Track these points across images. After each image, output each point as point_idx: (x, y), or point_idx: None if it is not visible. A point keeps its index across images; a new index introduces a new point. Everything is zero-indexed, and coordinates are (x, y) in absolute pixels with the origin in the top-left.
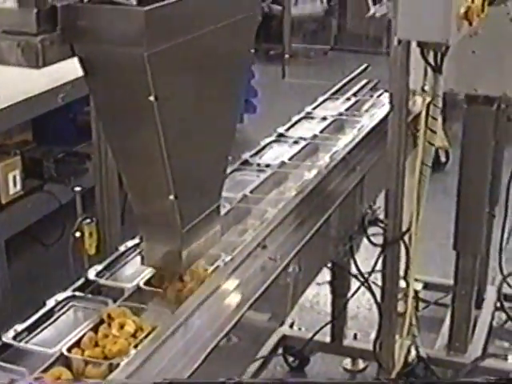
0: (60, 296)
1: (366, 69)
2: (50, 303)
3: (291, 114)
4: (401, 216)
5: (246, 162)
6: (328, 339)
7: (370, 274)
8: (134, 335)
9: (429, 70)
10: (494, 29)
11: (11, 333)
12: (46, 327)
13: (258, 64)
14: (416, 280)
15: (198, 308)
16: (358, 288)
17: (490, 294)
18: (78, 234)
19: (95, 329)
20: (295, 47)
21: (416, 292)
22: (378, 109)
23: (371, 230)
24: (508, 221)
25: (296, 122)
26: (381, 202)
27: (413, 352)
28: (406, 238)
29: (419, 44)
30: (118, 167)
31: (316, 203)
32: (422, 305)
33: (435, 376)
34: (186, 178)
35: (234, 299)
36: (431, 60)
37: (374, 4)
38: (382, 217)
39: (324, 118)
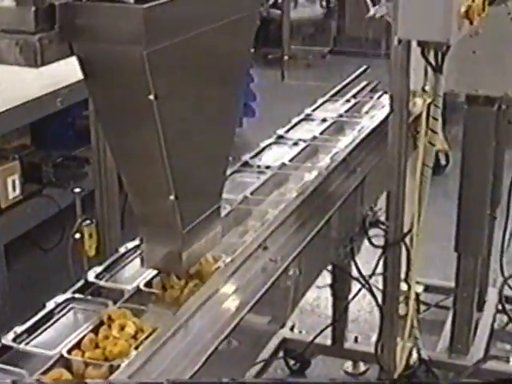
0: (60, 298)
1: (365, 70)
2: (50, 305)
3: (290, 117)
4: (402, 217)
5: (245, 164)
6: (329, 342)
7: (370, 276)
8: (134, 337)
9: (429, 70)
10: (495, 29)
11: (11, 335)
12: (45, 329)
13: (257, 68)
14: (417, 282)
15: (198, 310)
16: (359, 290)
17: (492, 296)
18: (77, 236)
19: (95, 330)
20: (294, 50)
21: (417, 294)
22: (378, 110)
23: (372, 232)
24: (509, 222)
25: (296, 124)
26: (381, 204)
27: (414, 354)
28: (407, 239)
29: (420, 43)
30: (117, 168)
31: (317, 204)
32: (422, 307)
33: (437, 379)
34: (187, 178)
35: (234, 301)
36: (431, 60)
37: (374, 5)
38: (382, 218)
39: (324, 120)
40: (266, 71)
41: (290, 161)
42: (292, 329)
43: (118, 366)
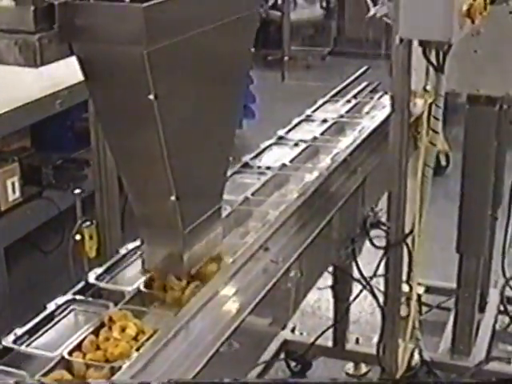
0: (60, 300)
1: (365, 71)
2: (51, 307)
3: (290, 119)
4: (403, 218)
5: (246, 165)
6: (330, 344)
7: (372, 277)
8: (135, 338)
9: (431, 69)
10: (497, 28)
11: (11, 336)
12: (46, 331)
13: (256, 69)
14: (418, 284)
15: (199, 311)
16: (361, 292)
17: (493, 297)
18: (78, 237)
19: (96, 332)
20: (294, 51)
21: (419, 295)
22: (379, 111)
23: (373, 233)
24: (511, 223)
25: (296, 125)
26: (383, 205)
27: (416, 356)
28: (409, 240)
29: (421, 43)
30: (118, 169)
31: (318, 205)
32: (424, 308)
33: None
34: (187, 179)
35: (235, 303)
36: (433, 59)
37: (374, 5)
38: (384, 219)
39: (324, 121)
40: (265, 73)
41: (291, 162)
42: (293, 330)
43: (119, 367)
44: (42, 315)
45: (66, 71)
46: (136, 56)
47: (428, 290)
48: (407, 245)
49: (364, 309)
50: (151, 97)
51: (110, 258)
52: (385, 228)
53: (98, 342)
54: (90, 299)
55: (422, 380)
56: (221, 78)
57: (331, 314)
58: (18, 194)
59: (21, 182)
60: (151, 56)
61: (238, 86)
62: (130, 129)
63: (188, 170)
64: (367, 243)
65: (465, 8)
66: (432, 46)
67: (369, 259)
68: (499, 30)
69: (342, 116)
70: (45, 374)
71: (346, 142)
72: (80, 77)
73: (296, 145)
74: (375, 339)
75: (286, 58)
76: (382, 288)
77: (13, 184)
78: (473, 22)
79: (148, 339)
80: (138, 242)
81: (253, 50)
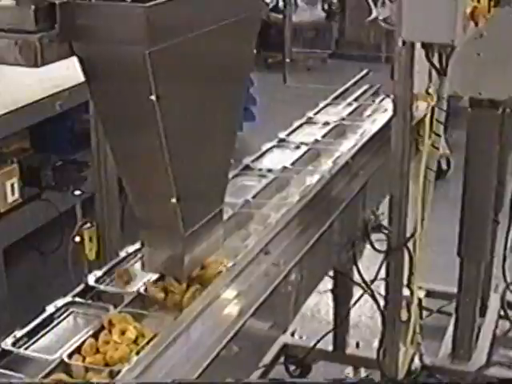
0: (60, 302)
1: (367, 74)
2: (50, 309)
3: (291, 121)
4: (405, 222)
5: (247, 167)
6: (330, 348)
7: (372, 281)
8: (135, 342)
9: (433, 72)
10: (500, 31)
11: (10, 339)
12: (45, 333)
13: (257, 72)
14: (419, 288)
15: (200, 315)
16: (361, 296)
17: (494, 301)
18: (77, 239)
19: (96, 335)
20: (295, 54)
21: (419, 300)
22: (380, 114)
23: (374, 237)
24: None
25: (297, 127)
26: (384, 208)
27: (416, 360)
28: (409, 244)
29: (424, 45)
30: (118, 170)
31: (319, 209)
32: (424, 313)
33: None
34: (189, 181)
35: (236, 306)
36: (435, 62)
37: (376, 6)
38: (385, 223)
39: (326, 123)
40: (265, 75)
41: (292, 164)
42: (293, 334)
43: (119, 371)
44: (41, 317)
45: (66, 73)
46: (138, 56)
47: (428, 294)
48: (408, 249)
49: (364, 313)
50: (153, 98)
51: (109, 260)
52: (386, 232)
53: (97, 345)
54: (90, 302)
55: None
56: (223, 79)
57: (331, 318)
58: (17, 195)
59: (20, 183)
60: (153, 56)
61: (240, 87)
62: (131, 130)
63: (189, 172)
64: (368, 247)
65: (468, 10)
66: (435, 49)
67: (368, 263)
68: (503, 33)
69: (343, 119)
70: (44, 377)
71: (347, 145)
72: (80, 78)
73: (297, 147)
74: (375, 343)
75: (287, 61)
76: (382, 292)
77: (12, 185)
78: (476, 24)
79: (148, 343)
80: (137, 245)
81: (255, 51)
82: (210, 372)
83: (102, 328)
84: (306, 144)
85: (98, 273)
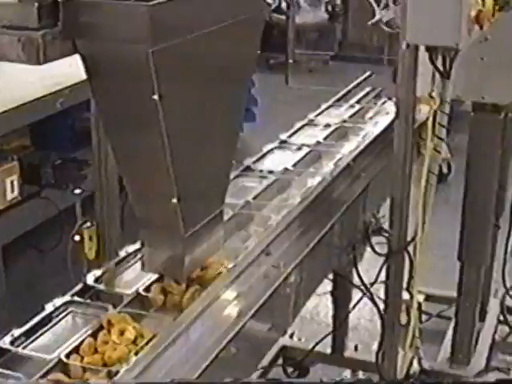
0: (58, 301)
1: (369, 76)
2: (49, 308)
3: (292, 123)
4: (406, 225)
5: (248, 169)
6: (328, 350)
7: (372, 284)
8: (134, 342)
9: (436, 75)
10: (504, 35)
11: (8, 337)
12: (44, 332)
13: (258, 73)
14: (418, 292)
15: (199, 316)
16: (361, 299)
17: (493, 306)
18: (77, 238)
19: (94, 335)
20: (298, 55)
21: (419, 304)
22: (382, 116)
23: (374, 240)
24: None
25: (299, 129)
26: (384, 211)
27: (415, 364)
28: (410, 248)
29: (428, 48)
30: (119, 169)
31: (320, 211)
32: (423, 317)
33: None
34: (190, 181)
35: (236, 308)
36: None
37: (379, 8)
38: (385, 226)
39: (327, 125)
40: (267, 76)
41: (293, 166)
42: (291, 336)
43: (117, 371)
44: (39, 316)
45: (68, 71)
46: (140, 55)
47: (428, 298)
48: (408, 252)
49: (362, 316)
50: (155, 97)
51: (109, 259)
52: (386, 235)
53: (96, 345)
54: (89, 301)
55: (421, 380)
56: (225, 80)
57: (330, 321)
58: (16, 192)
59: (20, 180)
60: (156, 56)
61: (243, 88)
62: (132, 129)
63: (190, 173)
64: (368, 250)
65: (473, 14)
66: (439, 52)
67: (368, 266)
68: (507, 38)
69: (345, 121)
70: (41, 377)
71: (349, 148)
72: (81, 76)
73: (299, 149)
74: (374, 346)
75: (290, 61)
76: (381, 295)
77: (12, 183)
78: (481, 28)
79: (147, 343)
80: (137, 245)
81: (259, 52)
82: (208, 373)
83: (101, 328)
84: (308, 146)
85: (98, 272)
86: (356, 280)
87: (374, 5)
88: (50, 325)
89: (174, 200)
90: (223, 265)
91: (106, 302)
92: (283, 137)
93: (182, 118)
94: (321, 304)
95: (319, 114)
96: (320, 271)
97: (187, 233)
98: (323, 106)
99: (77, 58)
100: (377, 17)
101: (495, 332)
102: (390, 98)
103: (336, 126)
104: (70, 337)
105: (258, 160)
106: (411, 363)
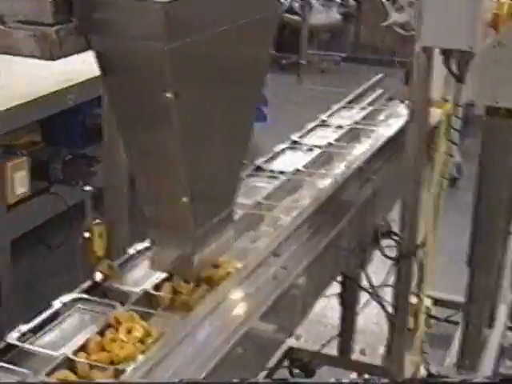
0: (66, 298)
1: (382, 78)
2: (56, 305)
3: (303, 123)
4: (416, 229)
5: (258, 169)
6: (335, 352)
7: (380, 287)
8: (141, 341)
9: (451, 79)
10: None
11: (16, 333)
12: (51, 329)
13: (269, 72)
14: (427, 296)
15: (207, 316)
16: (369, 302)
17: (501, 313)
18: (86, 235)
19: (102, 333)
20: (310, 56)
21: (427, 308)
22: (394, 119)
23: (383, 243)
24: None
25: (311, 130)
26: (394, 215)
27: (422, 369)
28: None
29: (442, 51)
30: (131, 167)
31: (330, 213)
32: (431, 321)
33: None
34: (201, 181)
35: (244, 308)
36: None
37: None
38: (395, 229)
39: (339, 127)
40: (278, 76)
41: (304, 167)
42: (298, 338)
43: (124, 370)
44: (47, 313)
45: (79, 67)
46: (156, 53)
47: (435, 302)
48: (418, 256)
49: (369, 318)
50: (169, 95)
51: (117, 257)
52: (396, 238)
53: (103, 342)
54: (97, 298)
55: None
56: (239, 78)
57: (336, 323)
58: (25, 188)
59: (29, 176)
60: (171, 53)
61: (256, 87)
62: (145, 127)
63: (202, 172)
64: (376, 253)
65: (489, 17)
66: (454, 55)
67: (376, 269)
68: None
69: (357, 123)
70: (48, 374)
71: (360, 150)
72: (93, 73)
73: (310, 150)
74: (380, 350)
75: (302, 62)
76: (389, 298)
77: (21, 178)
78: (496, 31)
79: (154, 342)
80: (146, 243)
81: (272, 52)
82: (215, 373)
83: (109, 326)
84: (319, 147)
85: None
86: (364, 283)
87: (388, 7)
88: (57, 321)
89: (185, 199)
90: (232, 265)
91: (114, 300)
92: (295, 137)
93: (195, 117)
94: (328, 306)
95: (331, 115)
96: (328, 273)
97: (197, 232)
98: (335, 108)
99: (89, 54)
100: (391, 19)
101: (503, 339)
102: (401, 101)
103: (348, 127)
104: (77, 334)
105: (269, 160)
106: (418, 368)
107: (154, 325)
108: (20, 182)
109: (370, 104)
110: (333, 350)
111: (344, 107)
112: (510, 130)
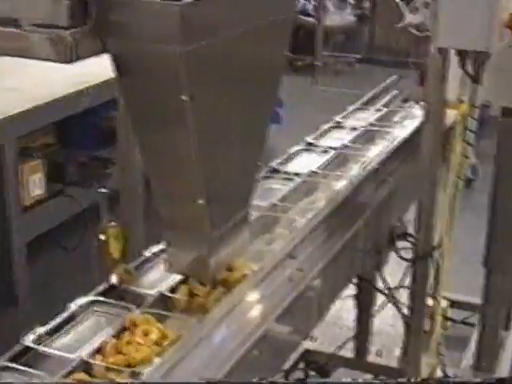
0: (82, 300)
1: (397, 79)
2: (72, 307)
3: (317, 125)
4: (432, 230)
5: (274, 170)
6: (351, 354)
7: (396, 289)
8: (157, 343)
9: (467, 80)
10: None
11: (32, 335)
12: (67, 331)
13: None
14: (443, 298)
15: (223, 318)
16: (384, 303)
17: None
18: (102, 237)
19: (118, 335)
20: (324, 57)
21: (444, 310)
22: (409, 120)
23: (399, 245)
24: None
25: (325, 131)
26: (410, 216)
27: (438, 371)
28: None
29: (458, 52)
30: (146, 169)
31: (345, 214)
32: (447, 323)
33: None
34: (217, 182)
35: (260, 310)
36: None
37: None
38: (411, 231)
39: (354, 128)
40: (293, 77)
41: (320, 168)
42: (314, 340)
43: (140, 372)
44: (63, 315)
45: (93, 70)
46: (171, 55)
47: (452, 304)
48: (434, 258)
49: (385, 320)
50: (185, 97)
51: (133, 259)
52: (412, 240)
53: (119, 345)
54: (112, 301)
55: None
56: (255, 80)
57: (352, 324)
58: (41, 190)
59: (44, 178)
60: (187, 56)
61: (271, 89)
62: (161, 129)
63: (218, 174)
64: (392, 254)
65: (505, 18)
66: (469, 56)
67: (391, 270)
68: None
69: (371, 124)
70: (64, 376)
71: (375, 151)
72: (108, 75)
73: (325, 152)
74: (396, 352)
75: (317, 64)
76: (405, 300)
77: (37, 180)
78: None
79: (171, 345)
80: (161, 245)
81: (287, 54)
82: (231, 376)
83: (125, 328)
84: (335, 148)
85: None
86: (380, 284)
87: (403, 8)
88: (73, 324)
89: (201, 201)
90: (248, 267)
91: (130, 303)
92: (310, 139)
93: (210, 119)
94: (344, 308)
95: (346, 116)
96: (344, 275)
97: (213, 234)
98: (350, 109)
99: (103, 56)
100: (406, 20)
101: None
102: (416, 102)
103: (363, 129)
104: (93, 336)
105: (284, 162)
106: (434, 370)
107: (170, 327)
108: (36, 184)
109: (384, 105)
110: (348, 352)
111: (359, 109)
112: None
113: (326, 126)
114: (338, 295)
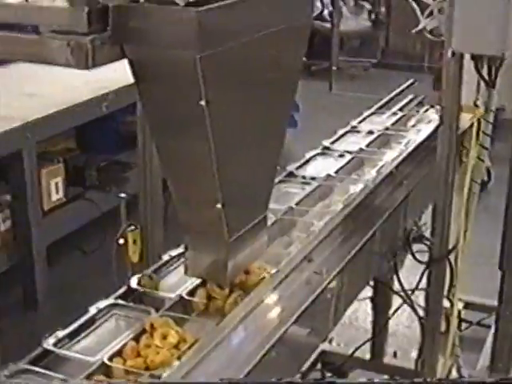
0: (102, 304)
1: (412, 84)
2: (92, 311)
3: (333, 129)
4: (448, 233)
5: (290, 174)
6: (367, 356)
7: (413, 291)
8: (176, 346)
9: (482, 84)
10: None
11: (52, 339)
12: (87, 335)
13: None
14: (458, 299)
15: (241, 321)
16: (401, 305)
17: None
18: (121, 241)
19: (137, 338)
20: (340, 62)
21: (459, 312)
22: (425, 124)
23: (415, 247)
24: None
25: (341, 136)
26: (426, 219)
27: (454, 372)
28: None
29: (473, 57)
30: (164, 174)
31: (362, 218)
32: (463, 324)
33: None
34: (235, 187)
35: (278, 313)
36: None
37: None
38: (427, 234)
39: (370, 132)
40: (309, 82)
41: (336, 172)
42: (330, 341)
43: (159, 375)
44: (83, 318)
45: (113, 75)
46: (189, 61)
47: (467, 305)
48: (449, 260)
49: (401, 322)
50: (202, 103)
51: (152, 263)
52: (427, 243)
53: (138, 348)
54: (132, 304)
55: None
56: (272, 86)
57: (368, 326)
58: (61, 194)
59: (64, 182)
60: (204, 61)
61: (288, 94)
62: (179, 134)
63: (236, 178)
64: (408, 257)
65: None
66: (485, 61)
67: (407, 273)
68: None
69: (387, 128)
70: (84, 379)
71: (391, 155)
72: (127, 80)
73: (341, 156)
74: (413, 353)
75: (333, 68)
76: (420, 302)
77: (57, 184)
78: None
79: (189, 348)
80: (180, 249)
81: (304, 59)
82: (250, 379)
83: (144, 331)
84: (350, 152)
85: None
86: (396, 287)
87: (418, 13)
88: (93, 327)
89: (219, 205)
90: (266, 270)
91: (149, 306)
92: (326, 143)
93: (228, 124)
94: (360, 309)
95: (362, 120)
96: (361, 278)
97: (231, 238)
98: (366, 113)
99: (122, 62)
100: (421, 25)
101: None
102: (432, 106)
103: (379, 133)
104: (113, 340)
105: (301, 166)
106: (450, 371)
107: (189, 330)
108: (55, 189)
109: (400, 109)
110: (365, 353)
111: (374, 113)
112: None
113: (341, 131)
114: (355, 298)
